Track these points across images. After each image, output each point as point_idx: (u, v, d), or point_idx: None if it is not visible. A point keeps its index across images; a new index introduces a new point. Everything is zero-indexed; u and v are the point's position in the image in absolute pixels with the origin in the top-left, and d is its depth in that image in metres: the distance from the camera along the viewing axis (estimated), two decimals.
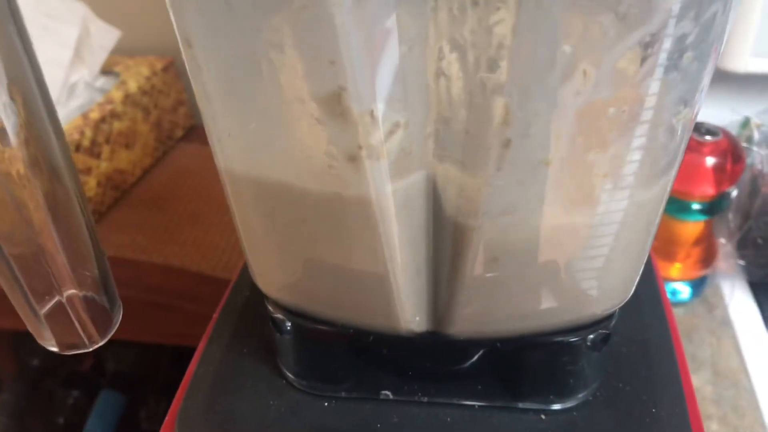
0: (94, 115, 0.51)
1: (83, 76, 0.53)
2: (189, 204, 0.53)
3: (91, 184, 0.50)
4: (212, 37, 0.17)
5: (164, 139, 0.61)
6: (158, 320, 0.47)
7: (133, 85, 0.55)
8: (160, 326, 0.48)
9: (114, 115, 0.52)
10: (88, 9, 0.54)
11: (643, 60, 0.15)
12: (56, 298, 0.19)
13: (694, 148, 0.41)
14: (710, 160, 0.41)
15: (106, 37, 0.55)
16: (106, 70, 0.57)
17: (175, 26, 0.17)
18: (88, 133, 0.49)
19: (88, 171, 0.50)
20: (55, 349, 0.20)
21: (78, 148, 0.48)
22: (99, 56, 0.55)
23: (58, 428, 0.57)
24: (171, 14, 0.17)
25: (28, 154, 0.18)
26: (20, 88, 0.18)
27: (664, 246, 0.46)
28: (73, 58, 0.52)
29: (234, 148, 0.19)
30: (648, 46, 0.15)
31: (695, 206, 0.43)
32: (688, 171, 0.41)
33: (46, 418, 0.58)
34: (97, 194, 0.51)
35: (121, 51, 0.57)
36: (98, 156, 0.51)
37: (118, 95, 0.53)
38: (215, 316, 0.30)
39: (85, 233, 0.20)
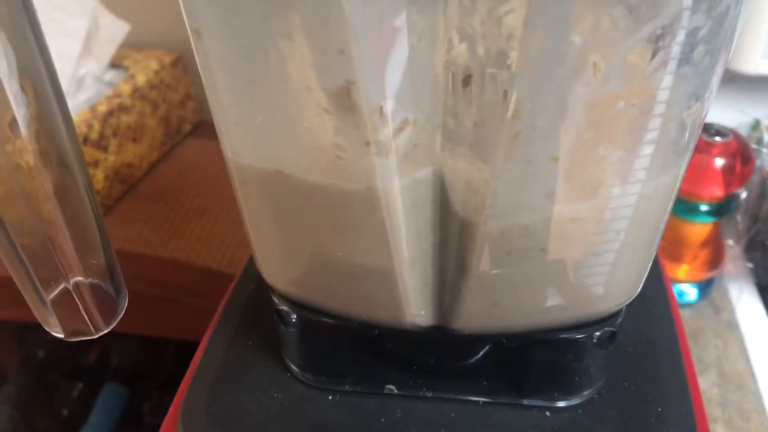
0: (102, 108, 0.51)
1: (92, 69, 0.53)
2: (195, 199, 0.53)
3: (98, 177, 0.50)
4: (222, 26, 0.17)
5: (172, 133, 0.61)
6: (163, 314, 0.47)
7: (141, 79, 0.55)
8: (164, 320, 0.48)
9: (122, 108, 0.52)
10: (98, 2, 0.54)
11: (655, 53, 0.15)
12: (63, 285, 0.19)
13: (703, 149, 0.41)
14: (719, 162, 0.40)
15: (115, 30, 0.55)
16: (115, 64, 0.57)
17: (185, 17, 0.17)
18: (96, 126, 0.49)
19: (95, 164, 0.50)
20: (60, 335, 0.20)
21: (86, 141, 0.48)
22: (108, 49, 0.55)
23: (62, 420, 0.58)
24: (181, 5, 0.17)
25: (39, 146, 0.18)
26: (32, 80, 0.18)
27: (672, 247, 0.45)
28: (81, 51, 0.52)
29: (241, 138, 0.19)
30: (660, 38, 0.15)
31: (703, 208, 0.43)
32: (696, 172, 0.41)
33: (50, 409, 0.58)
34: (104, 187, 0.51)
35: (129, 45, 0.57)
36: (106, 149, 0.51)
37: (126, 89, 0.54)
38: (220, 309, 0.30)
39: (93, 222, 0.20)
